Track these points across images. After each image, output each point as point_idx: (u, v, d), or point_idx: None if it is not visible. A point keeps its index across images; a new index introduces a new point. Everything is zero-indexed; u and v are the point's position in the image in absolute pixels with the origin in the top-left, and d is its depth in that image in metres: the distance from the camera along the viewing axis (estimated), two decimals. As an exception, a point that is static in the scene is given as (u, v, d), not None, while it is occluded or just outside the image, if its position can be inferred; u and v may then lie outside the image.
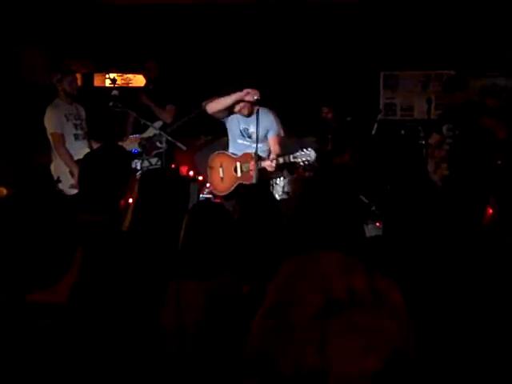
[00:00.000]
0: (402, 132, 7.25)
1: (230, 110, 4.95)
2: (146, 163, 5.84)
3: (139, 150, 5.88)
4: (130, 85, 7.66)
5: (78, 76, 6.14)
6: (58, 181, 5.30)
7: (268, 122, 4.98)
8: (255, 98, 4.77)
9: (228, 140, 5.21)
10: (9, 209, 1.35)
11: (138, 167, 5.75)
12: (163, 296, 2.36)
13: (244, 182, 4.93)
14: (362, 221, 1.76)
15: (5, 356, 1.25)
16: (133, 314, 2.09)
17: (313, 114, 7.04)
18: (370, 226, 4.96)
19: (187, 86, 7.05)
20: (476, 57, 7.26)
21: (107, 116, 5.98)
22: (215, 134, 5.36)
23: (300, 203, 1.84)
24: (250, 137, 4.99)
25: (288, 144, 5.29)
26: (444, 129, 5.50)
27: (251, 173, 4.87)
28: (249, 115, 4.93)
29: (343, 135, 6.73)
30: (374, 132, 7.12)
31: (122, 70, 7.66)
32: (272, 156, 4.93)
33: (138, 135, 6.03)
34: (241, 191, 3.49)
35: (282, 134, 6.06)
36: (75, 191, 4.77)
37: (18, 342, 1.27)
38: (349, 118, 6.98)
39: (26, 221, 1.32)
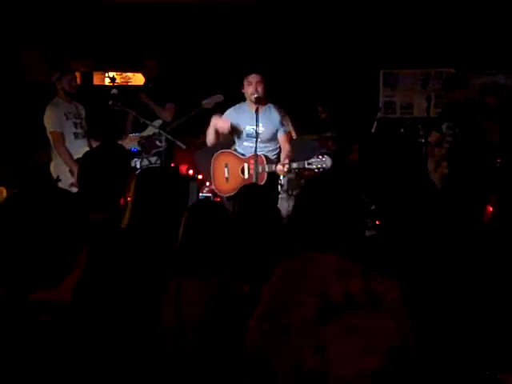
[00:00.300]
0: (402, 130, 7.24)
1: (219, 134, 4.94)
2: (145, 162, 5.83)
3: (139, 148, 5.87)
4: (130, 83, 7.66)
5: (78, 75, 6.12)
6: (58, 180, 5.30)
7: (276, 120, 4.85)
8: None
9: (227, 139, 5.15)
10: (13, 207, 1.34)
11: (138, 166, 5.74)
12: (163, 295, 2.35)
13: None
14: (361, 221, 1.75)
15: (6, 354, 1.25)
16: (133, 312, 2.09)
17: (312, 112, 7.03)
18: (368, 226, 4.94)
19: (187, 85, 7.05)
20: (475, 55, 7.25)
21: (106, 115, 5.98)
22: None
23: (299, 203, 1.83)
24: (258, 137, 4.79)
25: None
26: (444, 127, 5.50)
27: (260, 176, 4.69)
28: (259, 99, 4.70)
29: (347, 133, 6.72)
30: (373, 130, 7.12)
31: (121, 69, 7.65)
32: (284, 158, 4.78)
33: (137, 134, 6.02)
34: (240, 192, 3.45)
35: (294, 135, 6.01)
36: (75, 190, 4.77)
37: (20, 340, 1.27)
38: (348, 117, 6.98)
39: (31, 219, 1.32)
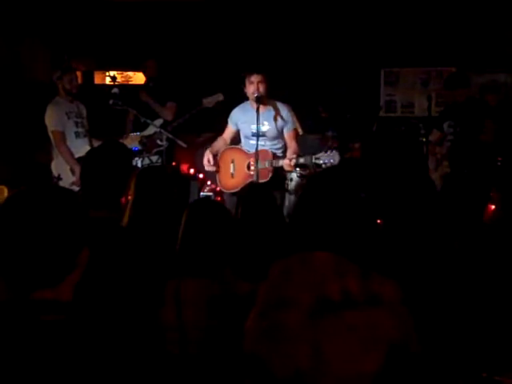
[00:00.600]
0: (403, 128, 7.24)
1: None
2: (146, 161, 5.82)
3: (140, 147, 5.87)
4: (130, 82, 7.66)
5: (78, 74, 6.12)
6: (59, 178, 5.30)
7: (283, 117, 4.83)
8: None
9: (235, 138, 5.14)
10: (14, 206, 1.34)
11: (139, 165, 5.74)
12: (162, 294, 2.35)
13: (259, 181, 4.68)
14: (362, 220, 1.74)
15: (7, 353, 1.25)
16: (134, 312, 2.09)
17: (313, 111, 7.03)
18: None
19: (188, 84, 7.05)
20: (476, 53, 7.25)
21: (107, 114, 5.97)
22: (217, 131, 5.32)
23: (300, 201, 1.83)
24: (264, 135, 4.80)
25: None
26: (445, 126, 5.50)
27: (266, 171, 4.68)
28: (260, 99, 4.69)
29: (348, 131, 6.71)
30: (374, 129, 7.12)
31: (122, 68, 7.65)
32: (291, 154, 4.75)
33: (138, 133, 6.02)
34: (242, 191, 3.44)
35: (301, 131, 6.00)
36: (76, 189, 4.77)
37: (20, 339, 1.27)
38: (348, 116, 6.97)
39: (32, 218, 1.32)
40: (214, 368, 2.27)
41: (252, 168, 4.78)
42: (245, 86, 4.79)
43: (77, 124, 5.46)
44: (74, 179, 5.15)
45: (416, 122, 6.69)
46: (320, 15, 7.38)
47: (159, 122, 5.94)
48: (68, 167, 5.29)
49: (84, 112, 5.59)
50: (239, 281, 2.48)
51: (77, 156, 5.25)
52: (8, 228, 1.32)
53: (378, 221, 5.20)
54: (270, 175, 4.70)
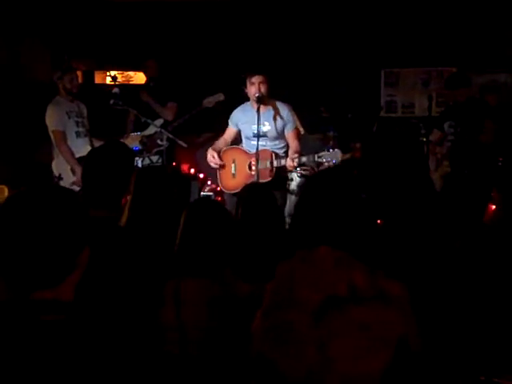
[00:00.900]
0: (397, 129, 7.26)
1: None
2: (146, 161, 5.82)
3: (140, 147, 5.87)
4: (131, 82, 7.65)
5: (79, 73, 6.13)
6: (60, 178, 5.30)
7: (284, 117, 4.81)
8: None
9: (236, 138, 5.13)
10: (15, 206, 1.34)
11: (139, 165, 5.74)
12: (162, 294, 2.35)
13: (260, 181, 4.66)
14: (362, 220, 1.73)
15: (7, 353, 1.25)
16: (134, 312, 2.08)
17: (314, 111, 7.03)
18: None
19: (188, 84, 7.05)
20: (477, 53, 7.25)
21: (108, 114, 5.97)
22: (217, 131, 5.32)
23: (300, 201, 1.82)
24: (266, 135, 4.78)
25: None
26: (446, 126, 5.51)
27: (267, 171, 4.68)
28: (261, 99, 4.67)
29: (348, 131, 6.71)
30: (374, 129, 7.12)
31: (122, 68, 7.65)
32: (293, 154, 4.73)
33: (138, 133, 6.03)
34: (242, 193, 3.42)
35: (302, 131, 5.99)
36: (76, 188, 4.77)
37: (21, 339, 1.27)
38: (349, 115, 6.97)
39: (33, 218, 1.32)
40: (213, 368, 2.27)
41: (253, 168, 4.77)
42: (245, 86, 4.78)
43: (77, 124, 5.46)
44: (74, 179, 5.15)
45: (416, 122, 6.69)
46: (320, 16, 7.38)
47: (160, 121, 5.94)
48: (69, 167, 5.29)
49: (85, 112, 5.59)
50: (239, 281, 2.48)
51: (77, 156, 5.25)
52: (8, 228, 1.32)
53: (378, 221, 5.21)
54: (272, 175, 4.70)
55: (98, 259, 1.61)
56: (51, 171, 5.46)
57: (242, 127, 4.95)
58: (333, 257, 1.58)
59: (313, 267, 1.57)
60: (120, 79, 7.35)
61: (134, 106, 5.73)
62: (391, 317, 1.49)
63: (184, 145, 5.41)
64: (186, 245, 2.47)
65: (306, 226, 1.72)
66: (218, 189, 5.56)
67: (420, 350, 1.51)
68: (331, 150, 4.54)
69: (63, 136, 5.34)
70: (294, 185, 5.75)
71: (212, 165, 5.04)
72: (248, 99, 4.89)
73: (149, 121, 5.75)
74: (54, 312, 1.32)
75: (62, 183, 5.18)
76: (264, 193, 3.31)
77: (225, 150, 5.06)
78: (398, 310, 1.51)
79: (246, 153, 4.92)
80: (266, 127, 4.79)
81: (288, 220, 4.46)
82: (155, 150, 5.88)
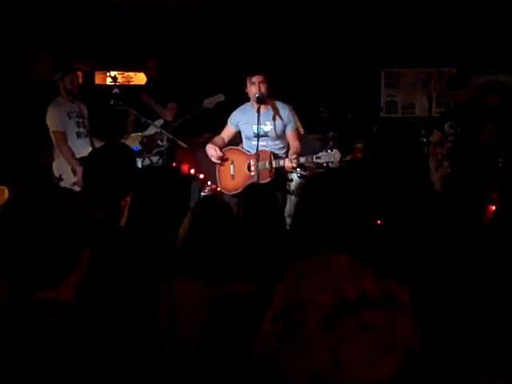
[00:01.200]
0: (396, 130, 7.27)
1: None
2: (147, 161, 5.82)
3: (140, 148, 5.88)
4: (131, 83, 7.66)
5: (79, 74, 6.13)
6: (60, 179, 5.30)
7: (285, 116, 4.80)
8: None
9: (235, 138, 5.13)
10: (15, 207, 1.34)
11: (139, 165, 5.74)
12: (160, 295, 2.34)
13: (260, 181, 4.63)
14: (363, 222, 1.73)
15: (8, 353, 1.26)
16: (134, 312, 2.08)
17: (314, 111, 7.03)
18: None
19: (188, 84, 7.05)
20: (477, 54, 7.25)
21: (108, 114, 5.98)
22: (217, 132, 5.31)
23: (301, 202, 1.82)
24: (267, 135, 4.77)
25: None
26: (446, 126, 5.50)
27: (267, 172, 4.65)
28: (261, 99, 4.66)
29: (348, 132, 6.71)
30: (375, 130, 7.12)
31: (123, 68, 7.66)
32: (292, 154, 4.71)
33: (139, 133, 6.03)
34: (243, 194, 3.41)
35: (302, 131, 5.99)
36: (77, 189, 4.77)
37: (21, 339, 1.27)
38: (349, 115, 6.97)
39: (33, 219, 1.32)
40: (213, 368, 2.27)
41: (253, 169, 4.76)
42: (246, 86, 4.78)
43: (78, 124, 5.46)
44: (75, 179, 5.16)
45: (417, 123, 6.70)
46: (321, 16, 7.39)
47: (160, 122, 5.94)
48: (69, 167, 5.29)
49: (85, 112, 5.59)
50: (239, 282, 2.47)
51: (78, 156, 5.25)
52: (9, 229, 1.32)
53: (379, 222, 5.21)
54: (271, 176, 4.69)
55: (99, 260, 1.61)
56: (51, 172, 5.46)
57: (242, 128, 4.94)
58: (345, 262, 1.57)
59: (325, 271, 1.56)
60: (120, 80, 7.36)
61: (134, 106, 5.74)
62: (400, 321, 1.48)
63: (184, 145, 5.41)
64: (193, 244, 2.44)
65: (307, 227, 1.71)
66: (218, 189, 5.56)
67: (421, 352, 1.51)
68: (329, 151, 4.52)
69: (64, 136, 5.34)
70: (293, 185, 5.75)
71: (213, 159, 4.99)
72: (248, 99, 4.88)
73: (149, 121, 5.75)
74: (55, 312, 1.32)
75: (62, 184, 5.18)
76: (265, 193, 3.30)
77: (223, 151, 5.03)
78: (407, 315, 1.51)
79: (245, 154, 4.91)
80: (267, 127, 4.78)
81: (288, 221, 4.46)
82: (155, 150, 5.88)
